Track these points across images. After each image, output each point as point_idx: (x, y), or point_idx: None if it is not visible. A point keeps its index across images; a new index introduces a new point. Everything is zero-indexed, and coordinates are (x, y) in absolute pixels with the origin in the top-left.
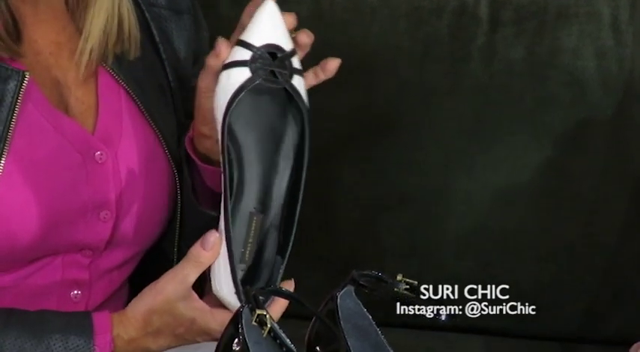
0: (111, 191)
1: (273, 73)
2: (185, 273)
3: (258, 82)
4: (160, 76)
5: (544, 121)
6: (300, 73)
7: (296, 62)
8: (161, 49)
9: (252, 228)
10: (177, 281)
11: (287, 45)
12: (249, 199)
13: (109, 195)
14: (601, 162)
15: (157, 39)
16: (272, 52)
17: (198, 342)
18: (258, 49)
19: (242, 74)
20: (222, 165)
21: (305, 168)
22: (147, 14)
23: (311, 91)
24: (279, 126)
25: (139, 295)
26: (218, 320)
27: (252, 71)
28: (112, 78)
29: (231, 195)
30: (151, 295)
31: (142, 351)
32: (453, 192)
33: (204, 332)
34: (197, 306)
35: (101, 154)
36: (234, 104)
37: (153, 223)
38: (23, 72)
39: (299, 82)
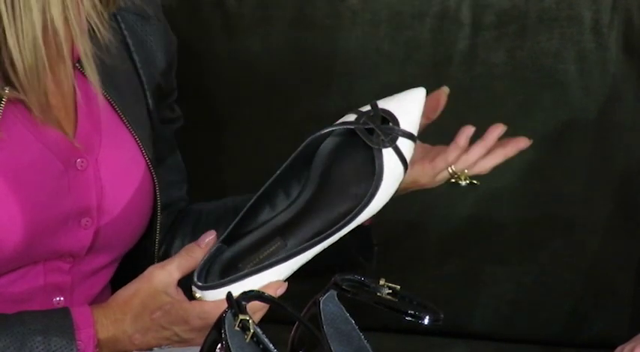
0: (92, 198)
1: (373, 132)
2: (175, 265)
3: (353, 126)
4: (134, 79)
5: (526, 124)
6: (400, 155)
7: (405, 144)
8: (134, 53)
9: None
10: (165, 271)
11: (405, 123)
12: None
13: (90, 202)
14: (583, 164)
15: (130, 42)
16: (386, 118)
17: (179, 336)
18: (378, 108)
19: (348, 116)
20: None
21: (341, 233)
22: (118, 17)
23: (291, 96)
24: (346, 179)
25: (125, 286)
26: (197, 309)
27: (358, 117)
28: (89, 83)
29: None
30: (137, 282)
31: (122, 335)
32: (434, 194)
33: (183, 319)
34: (178, 297)
35: (82, 161)
36: (325, 131)
37: (133, 227)
38: (3, 85)
39: (389, 157)
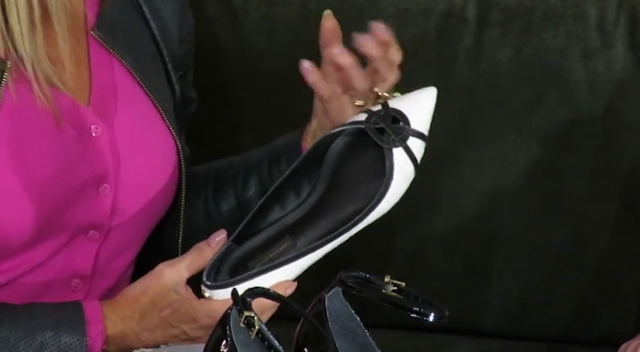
0: (108, 164)
1: (384, 131)
2: (184, 264)
3: (364, 126)
4: (152, 49)
5: (531, 122)
6: (411, 154)
7: (415, 144)
8: (150, 20)
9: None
10: (175, 269)
11: (416, 122)
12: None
13: (106, 169)
14: (589, 162)
15: (148, 16)
16: (396, 117)
17: (187, 334)
18: (388, 108)
19: (359, 116)
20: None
21: (347, 234)
22: None
23: (297, 93)
24: (356, 179)
25: (134, 282)
26: (206, 308)
27: (368, 116)
28: (103, 48)
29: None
30: (147, 279)
31: (130, 332)
32: (440, 192)
33: (191, 318)
34: (187, 295)
35: (96, 128)
36: (335, 130)
37: (155, 196)
38: (4, 61)
39: (399, 156)
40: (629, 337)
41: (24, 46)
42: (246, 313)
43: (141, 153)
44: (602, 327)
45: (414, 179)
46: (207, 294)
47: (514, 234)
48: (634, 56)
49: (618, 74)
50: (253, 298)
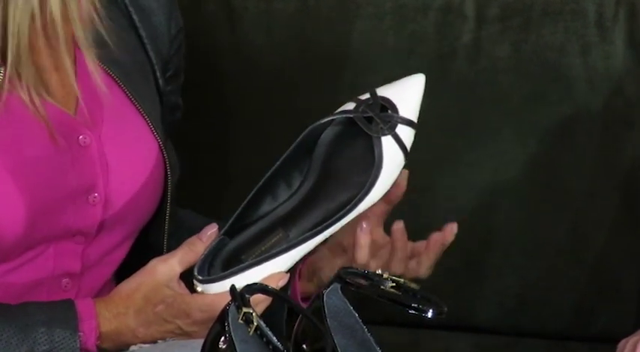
0: (98, 174)
1: (372, 120)
2: (177, 259)
3: (352, 115)
4: (141, 56)
5: (530, 118)
6: (400, 142)
7: (404, 131)
8: (139, 27)
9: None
10: (167, 265)
11: (404, 110)
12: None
13: (96, 178)
14: (587, 158)
15: (138, 24)
16: (385, 105)
17: (182, 329)
18: (377, 96)
19: (347, 105)
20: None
21: (340, 222)
22: None
23: (295, 89)
24: (347, 169)
25: (127, 279)
26: (199, 302)
27: (357, 105)
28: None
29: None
30: (139, 275)
31: (125, 329)
32: (438, 189)
33: (184, 313)
34: (180, 290)
35: (84, 138)
36: (324, 120)
37: (143, 203)
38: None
39: (388, 144)
40: (628, 334)
41: (14, 54)
42: (244, 309)
43: (129, 163)
44: (601, 324)
45: (412, 175)
46: (199, 289)
47: (513, 231)
48: (633, 52)
49: (617, 70)
50: (252, 294)
